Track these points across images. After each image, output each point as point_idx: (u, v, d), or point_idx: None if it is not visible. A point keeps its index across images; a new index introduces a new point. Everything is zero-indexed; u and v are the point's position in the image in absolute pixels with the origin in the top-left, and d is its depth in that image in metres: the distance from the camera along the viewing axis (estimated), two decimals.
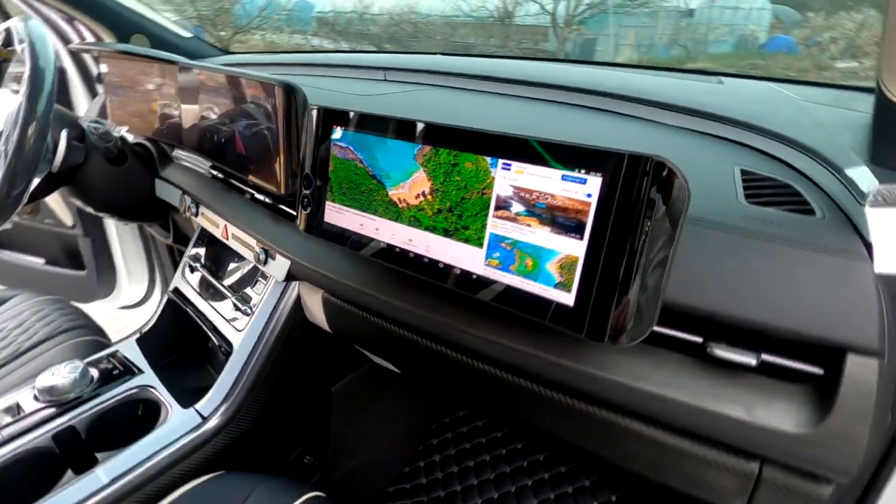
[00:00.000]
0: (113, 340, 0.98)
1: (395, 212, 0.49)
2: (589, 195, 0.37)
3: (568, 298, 0.39)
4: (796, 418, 0.39)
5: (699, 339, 0.42)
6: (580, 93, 0.74)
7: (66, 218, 1.55)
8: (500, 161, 0.41)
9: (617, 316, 0.37)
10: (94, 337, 1.01)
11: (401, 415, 1.09)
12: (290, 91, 0.63)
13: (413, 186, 0.47)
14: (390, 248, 0.50)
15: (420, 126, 0.46)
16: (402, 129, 0.48)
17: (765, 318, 0.39)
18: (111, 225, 1.57)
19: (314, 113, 0.56)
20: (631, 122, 0.66)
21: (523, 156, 0.40)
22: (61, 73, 1.38)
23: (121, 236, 1.61)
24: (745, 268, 0.40)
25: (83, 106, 1.43)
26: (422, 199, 0.47)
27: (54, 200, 1.51)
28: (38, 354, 0.94)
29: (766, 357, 0.40)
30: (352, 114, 0.52)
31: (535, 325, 0.43)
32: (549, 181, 0.39)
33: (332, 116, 0.54)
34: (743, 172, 0.49)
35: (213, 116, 0.81)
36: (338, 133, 0.54)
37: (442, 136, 0.45)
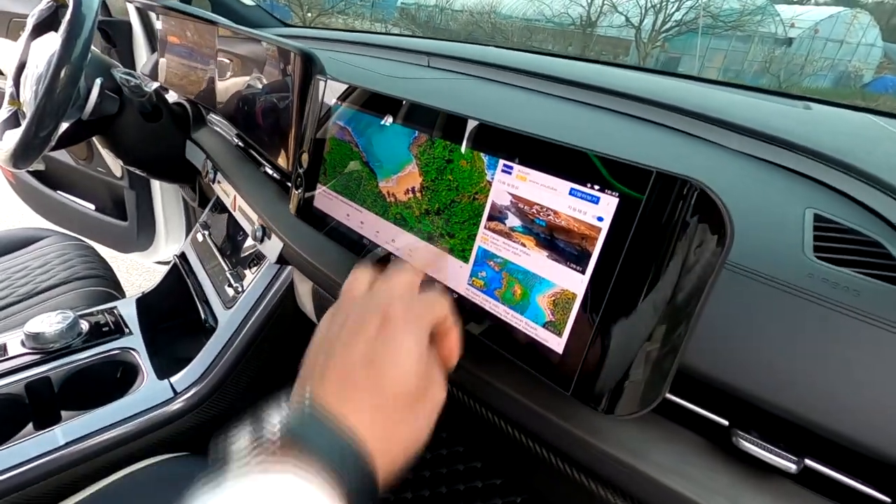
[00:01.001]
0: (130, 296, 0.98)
1: (382, 206, 0.42)
2: (600, 218, 0.29)
3: (557, 343, 0.31)
4: None
5: (724, 422, 0.33)
6: (633, 101, 0.64)
7: (116, 168, 1.60)
8: (501, 162, 0.34)
9: (614, 378, 0.29)
10: (107, 289, 1.01)
11: None
12: (308, 60, 0.58)
13: (403, 181, 0.40)
14: (373, 245, 0.44)
15: (415, 108, 0.39)
16: (398, 110, 0.41)
17: (819, 417, 0.29)
18: (156, 182, 1.60)
19: (320, 84, 0.50)
20: (686, 139, 0.56)
21: (527, 158, 0.32)
22: (127, 28, 1.41)
23: (164, 194, 1.64)
24: (801, 343, 0.30)
25: (145, 61, 1.46)
26: (410, 195, 0.40)
27: (107, 151, 1.56)
28: (50, 297, 0.95)
29: (810, 463, 0.30)
30: (352, 88, 0.46)
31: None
32: (553, 194, 0.31)
33: (335, 90, 0.48)
34: (816, 218, 0.39)
35: (242, 83, 0.77)
36: (339, 109, 0.48)
37: (435, 123, 0.38)
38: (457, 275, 0.37)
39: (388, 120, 0.42)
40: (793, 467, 0.30)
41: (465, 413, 0.47)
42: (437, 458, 1.08)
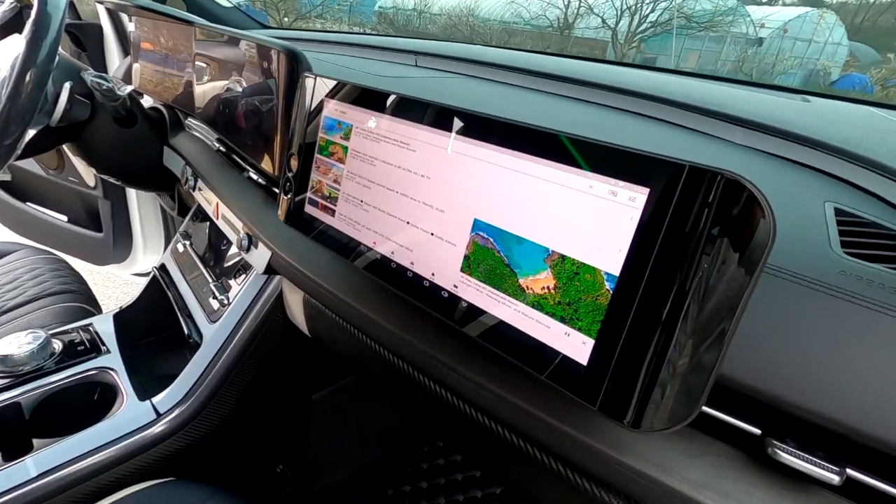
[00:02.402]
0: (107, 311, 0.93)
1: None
2: (631, 216, 0.27)
3: (581, 353, 0.29)
4: None
5: (756, 431, 0.31)
6: (630, 96, 0.62)
7: (89, 177, 1.53)
8: (518, 154, 0.31)
9: (646, 390, 0.27)
10: (82, 304, 0.96)
11: (389, 431, 0.99)
12: (293, 57, 0.55)
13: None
14: (372, 252, 0.41)
15: (409, 102, 0.37)
16: (393, 106, 0.38)
17: (860, 423, 0.27)
18: (132, 190, 1.54)
19: (308, 82, 0.47)
20: (689, 135, 0.55)
21: (545, 153, 0.30)
22: (98, 31, 1.36)
23: (140, 203, 1.58)
24: (837, 344, 0.29)
25: (117, 66, 1.40)
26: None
27: (79, 160, 1.49)
28: (20, 316, 0.89)
29: (853, 473, 0.28)
30: (345, 86, 0.43)
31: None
32: (575, 193, 0.29)
33: (325, 88, 0.45)
34: (838, 213, 0.37)
35: (222, 85, 0.74)
36: (329, 108, 0.45)
37: (433, 114, 0.35)
38: (449, 265, 0.34)
39: (394, 121, 0.39)
40: (836, 478, 0.28)
41: (463, 421, 0.44)
42: (435, 469, 1.05)
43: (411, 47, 0.93)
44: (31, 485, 0.54)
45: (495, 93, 0.70)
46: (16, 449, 0.57)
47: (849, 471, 0.28)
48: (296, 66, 0.55)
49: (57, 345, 0.70)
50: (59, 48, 0.73)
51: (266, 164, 0.62)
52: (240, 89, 0.69)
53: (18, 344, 0.66)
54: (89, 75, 0.79)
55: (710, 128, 0.55)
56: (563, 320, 0.29)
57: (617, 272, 0.27)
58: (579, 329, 0.28)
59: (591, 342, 0.28)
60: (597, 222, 0.28)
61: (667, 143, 0.51)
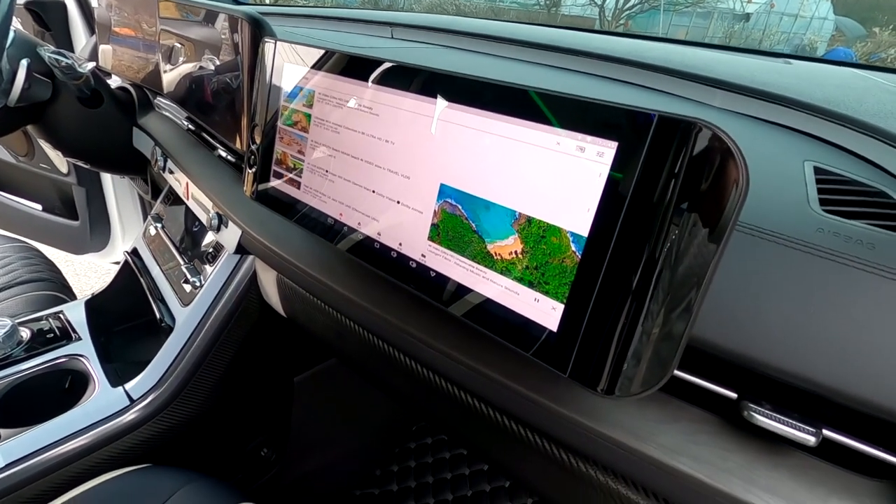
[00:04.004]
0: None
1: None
2: (599, 171, 0.25)
3: (551, 320, 0.28)
4: None
5: (732, 395, 0.30)
6: (609, 62, 0.60)
7: (62, 164, 1.48)
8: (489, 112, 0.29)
9: (617, 355, 0.26)
10: (54, 292, 0.93)
11: (376, 412, 0.99)
12: (255, 24, 0.52)
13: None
14: (338, 224, 0.39)
15: (372, 63, 0.35)
16: (364, 70, 0.36)
17: (837, 381, 0.27)
18: (107, 176, 1.49)
19: (268, 47, 0.45)
20: (667, 98, 0.53)
21: (512, 110, 0.28)
22: (62, 9, 1.30)
23: (116, 189, 1.54)
24: (814, 302, 0.28)
25: (83, 45, 1.35)
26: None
27: (46, 143, 1.44)
28: None
29: (829, 434, 0.28)
30: (308, 52, 0.41)
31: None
32: (542, 151, 0.27)
33: (291, 57, 0.43)
34: (817, 171, 0.36)
35: (191, 62, 0.70)
36: (291, 74, 0.42)
37: (394, 76, 0.33)
38: (415, 231, 0.32)
39: (356, 85, 0.37)
40: (811, 439, 0.27)
41: (440, 397, 0.43)
42: (423, 448, 1.05)
43: (388, 19, 0.90)
44: None
45: (470, 61, 0.68)
46: None
47: (825, 431, 0.28)
48: (258, 33, 0.52)
49: (25, 333, 0.68)
50: (20, 27, 0.70)
51: (235, 142, 0.60)
52: (208, 65, 0.66)
53: None
54: (46, 51, 0.75)
55: (690, 91, 0.54)
56: (531, 285, 0.28)
57: (585, 232, 0.26)
58: (547, 293, 0.27)
59: (560, 308, 0.27)
60: (564, 181, 0.27)
61: (643, 105, 0.50)
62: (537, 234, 0.28)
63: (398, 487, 1.00)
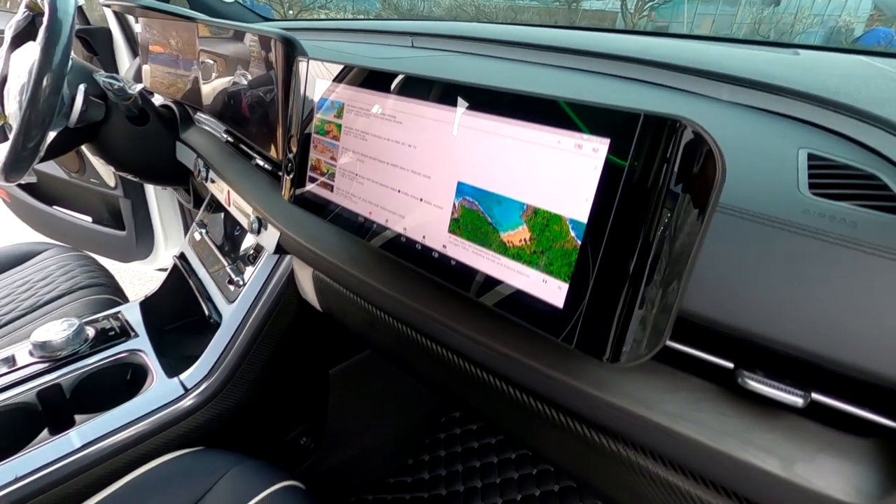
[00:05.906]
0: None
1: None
2: (595, 166, 0.29)
3: (558, 297, 0.31)
4: (853, 484, 0.29)
5: (729, 365, 0.33)
6: (625, 62, 0.63)
7: (110, 178, 1.59)
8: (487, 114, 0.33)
9: (619, 325, 0.29)
10: (110, 296, 1.01)
11: (407, 404, 1.03)
12: (288, 44, 0.57)
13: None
14: (368, 222, 0.44)
15: (395, 79, 0.39)
16: (390, 82, 0.41)
17: (822, 348, 0.29)
18: (150, 187, 1.59)
19: (302, 66, 0.50)
20: (675, 95, 0.56)
21: (518, 114, 0.32)
22: (107, 35, 1.40)
23: (159, 200, 1.64)
24: (800, 277, 0.30)
25: (128, 67, 1.45)
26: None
27: (97, 160, 1.55)
28: (55, 308, 0.95)
29: (817, 396, 0.30)
30: (337, 67, 0.45)
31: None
32: (545, 149, 0.31)
33: (321, 71, 0.48)
34: (810, 157, 0.38)
35: (227, 79, 0.77)
36: (322, 89, 0.47)
37: (415, 87, 0.38)
38: (437, 224, 0.37)
39: (381, 96, 0.41)
40: (799, 401, 0.30)
41: (465, 379, 0.47)
42: (452, 438, 1.09)
43: (409, 29, 0.94)
44: (74, 455, 0.59)
45: (486, 66, 0.71)
46: (60, 425, 0.62)
47: (813, 394, 0.30)
48: (291, 52, 0.58)
49: (90, 331, 0.75)
50: (72, 52, 0.77)
51: (271, 151, 0.65)
52: (244, 81, 0.72)
53: (55, 332, 0.71)
54: (101, 76, 0.83)
55: (697, 87, 0.56)
56: (538, 267, 0.32)
57: (585, 219, 0.29)
58: (551, 273, 0.31)
59: (565, 287, 0.31)
60: (565, 174, 0.30)
61: (651, 102, 0.53)
62: (542, 222, 0.31)
63: (429, 475, 1.04)
